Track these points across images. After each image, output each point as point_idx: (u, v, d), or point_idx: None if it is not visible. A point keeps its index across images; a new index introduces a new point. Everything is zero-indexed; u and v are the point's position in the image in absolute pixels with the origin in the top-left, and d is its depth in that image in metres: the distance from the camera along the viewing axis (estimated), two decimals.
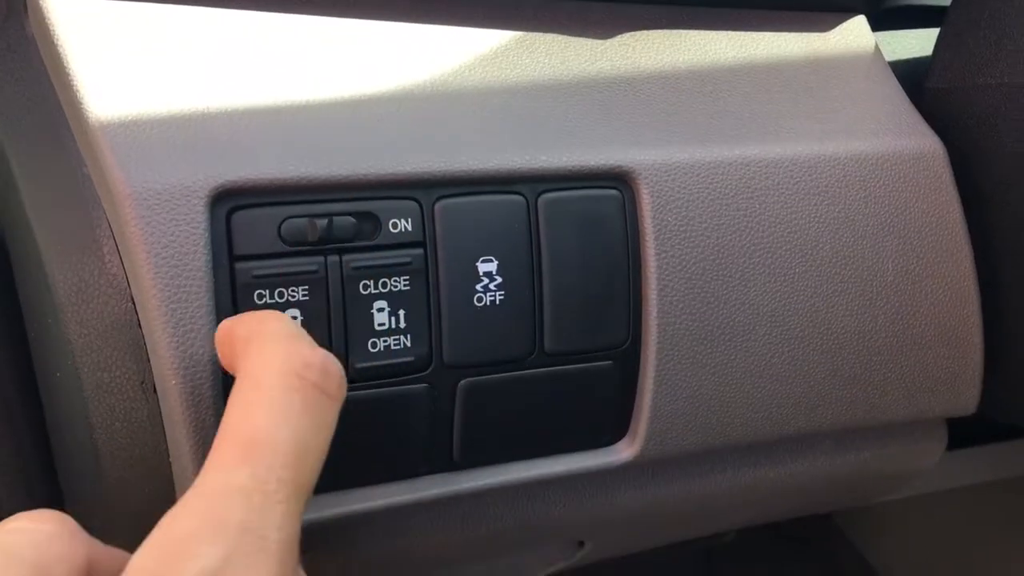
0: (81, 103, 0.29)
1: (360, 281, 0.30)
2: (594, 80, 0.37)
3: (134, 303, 0.29)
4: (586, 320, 0.33)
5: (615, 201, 0.33)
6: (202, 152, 0.29)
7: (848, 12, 0.42)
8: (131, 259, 0.28)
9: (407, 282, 0.31)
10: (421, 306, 0.31)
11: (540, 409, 0.34)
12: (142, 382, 0.30)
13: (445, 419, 0.32)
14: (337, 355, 0.30)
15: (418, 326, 0.31)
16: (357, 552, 0.35)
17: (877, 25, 0.43)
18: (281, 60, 0.32)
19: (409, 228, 0.31)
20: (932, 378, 0.40)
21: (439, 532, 0.35)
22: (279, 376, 0.23)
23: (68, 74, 0.30)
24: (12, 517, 0.23)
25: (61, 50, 0.30)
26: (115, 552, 0.25)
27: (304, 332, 0.26)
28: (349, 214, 0.30)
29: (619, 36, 0.38)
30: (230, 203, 0.29)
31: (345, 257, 0.30)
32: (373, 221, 0.30)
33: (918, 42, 0.47)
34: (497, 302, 0.32)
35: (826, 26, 0.42)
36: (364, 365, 0.31)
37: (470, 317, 0.32)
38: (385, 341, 0.31)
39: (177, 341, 0.28)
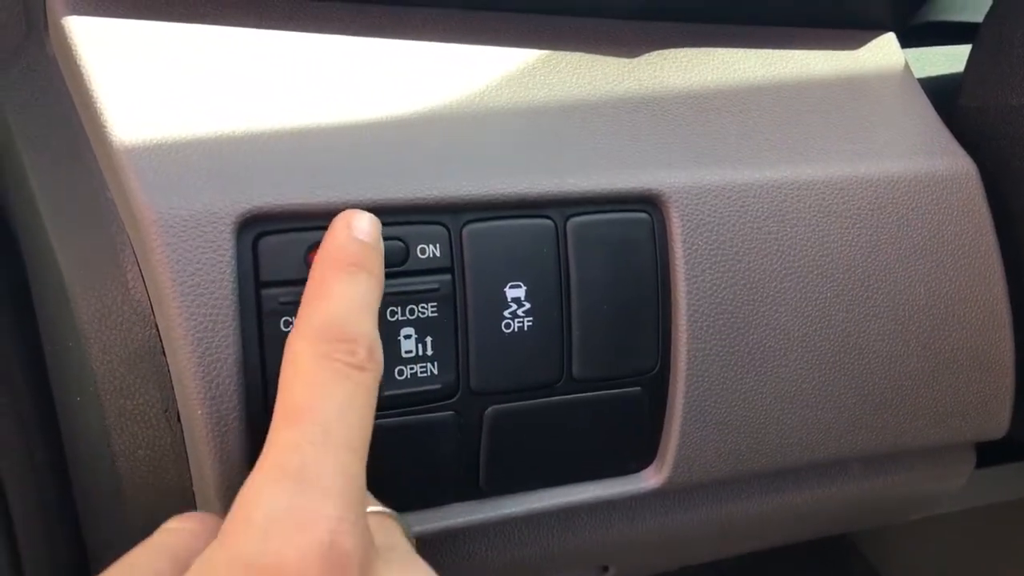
0: (104, 126, 0.29)
1: (387, 308, 0.30)
2: (621, 100, 0.36)
3: (158, 330, 0.29)
4: (615, 346, 0.33)
5: (645, 225, 0.33)
6: (228, 177, 0.28)
7: (877, 29, 0.42)
8: (156, 285, 0.28)
9: (435, 309, 0.30)
10: (448, 333, 0.30)
11: (568, 436, 0.33)
12: (166, 410, 0.29)
13: (472, 447, 0.32)
14: None
15: (445, 353, 0.31)
16: None
17: (905, 42, 0.43)
18: (307, 83, 0.32)
19: (437, 254, 0.30)
20: (963, 402, 0.39)
21: (464, 560, 0.35)
22: (312, 356, 0.25)
23: (91, 96, 0.29)
24: (172, 519, 0.27)
25: (84, 71, 0.29)
26: None
27: (359, 295, 0.27)
28: None
29: (646, 55, 0.37)
30: (257, 229, 0.28)
31: None
32: (400, 246, 0.30)
33: (945, 59, 0.46)
34: (525, 328, 0.31)
35: (855, 44, 0.41)
36: (390, 393, 0.30)
37: (498, 343, 0.31)
38: (412, 368, 0.30)
39: (203, 370, 0.27)
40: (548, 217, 0.32)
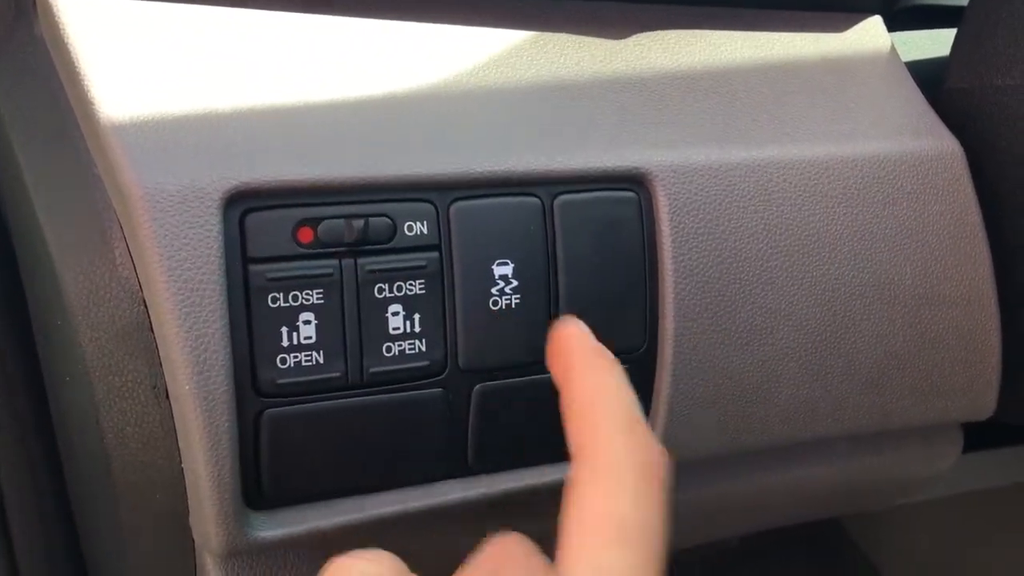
0: (92, 103, 0.29)
1: (375, 284, 0.30)
2: (609, 80, 0.36)
3: (146, 306, 0.29)
4: (602, 323, 0.33)
5: (632, 203, 0.33)
6: (215, 153, 0.28)
7: (864, 12, 0.42)
8: (143, 262, 0.28)
9: (422, 286, 0.30)
10: (436, 310, 0.31)
11: (556, 413, 0.33)
12: (154, 386, 0.29)
13: (460, 424, 0.32)
14: (351, 359, 0.30)
15: (433, 330, 0.31)
16: None
17: (891, 25, 0.43)
18: (294, 60, 0.32)
19: (424, 231, 0.30)
20: (950, 382, 0.39)
21: (452, 537, 0.35)
22: (636, 470, 0.24)
23: (78, 74, 0.29)
24: (352, 555, 0.26)
25: (71, 50, 0.30)
26: None
27: (632, 402, 0.27)
28: (363, 216, 0.30)
29: (634, 36, 0.38)
30: (243, 205, 0.28)
31: (360, 260, 0.29)
32: (388, 223, 0.30)
33: (931, 42, 0.46)
34: (513, 305, 0.32)
35: (842, 26, 0.41)
36: (378, 370, 0.30)
37: (485, 321, 0.31)
38: (400, 345, 0.30)
39: (191, 345, 0.27)
40: (535, 195, 0.32)
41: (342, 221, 0.29)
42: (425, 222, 0.30)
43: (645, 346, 0.34)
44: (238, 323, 0.28)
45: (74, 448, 0.32)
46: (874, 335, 0.37)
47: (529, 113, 0.34)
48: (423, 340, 0.31)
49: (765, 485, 0.40)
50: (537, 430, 0.33)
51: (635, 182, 0.33)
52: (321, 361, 0.29)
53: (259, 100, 0.30)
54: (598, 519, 0.24)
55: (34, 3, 0.32)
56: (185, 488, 0.30)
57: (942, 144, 0.38)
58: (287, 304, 0.29)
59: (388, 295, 0.30)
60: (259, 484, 0.30)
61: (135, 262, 0.28)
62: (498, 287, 0.31)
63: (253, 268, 0.28)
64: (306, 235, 0.29)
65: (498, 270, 0.31)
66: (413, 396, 0.31)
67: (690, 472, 0.38)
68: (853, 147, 0.37)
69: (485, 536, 0.36)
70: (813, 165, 0.36)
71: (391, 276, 0.30)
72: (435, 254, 0.30)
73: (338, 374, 0.30)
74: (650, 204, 0.33)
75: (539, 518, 0.36)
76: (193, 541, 0.31)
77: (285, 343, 0.29)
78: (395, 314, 0.30)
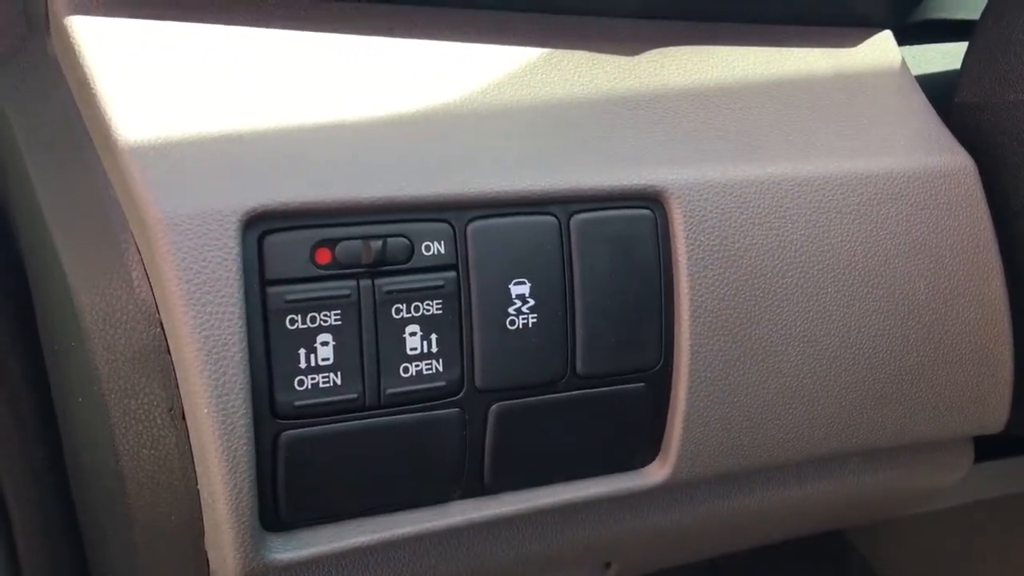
0: (108, 125, 0.28)
1: (393, 305, 0.30)
2: (623, 97, 0.36)
3: (163, 328, 0.28)
4: (619, 342, 0.33)
5: (648, 221, 0.33)
6: (233, 175, 0.28)
7: (874, 27, 0.42)
8: (161, 284, 0.28)
9: (440, 306, 0.30)
10: (453, 330, 0.31)
11: (572, 432, 0.33)
12: (171, 409, 0.29)
13: (477, 444, 0.32)
14: (369, 380, 0.30)
15: (450, 350, 0.31)
16: None
17: (901, 40, 0.43)
18: (311, 82, 0.32)
19: (442, 251, 0.30)
20: (962, 397, 0.39)
21: (468, 556, 0.35)
22: None
23: (94, 95, 0.29)
24: None
25: (87, 71, 0.29)
26: None
27: None
28: (381, 236, 0.29)
29: (647, 53, 0.38)
30: (262, 227, 0.28)
31: (378, 281, 0.29)
32: (406, 244, 0.30)
33: (942, 57, 0.46)
34: (530, 325, 0.31)
35: (853, 41, 0.41)
36: (396, 391, 0.30)
37: (502, 340, 0.31)
38: (417, 366, 0.30)
39: (209, 368, 0.27)
40: (552, 214, 0.32)
41: (360, 242, 0.29)
42: (442, 242, 0.30)
43: (661, 363, 0.34)
44: (256, 345, 0.28)
45: (85, 468, 0.32)
46: (888, 351, 0.37)
47: (544, 132, 0.34)
48: (440, 360, 0.31)
49: (779, 500, 0.40)
50: (554, 449, 0.33)
51: (651, 200, 0.33)
52: (339, 383, 0.29)
53: (276, 121, 0.30)
54: None
55: (47, 22, 0.32)
56: (201, 510, 0.30)
57: (954, 160, 0.38)
58: (305, 326, 0.29)
59: (405, 315, 0.30)
60: (276, 506, 0.30)
61: (152, 284, 0.28)
62: (515, 306, 0.31)
63: (271, 290, 0.28)
64: (324, 256, 0.29)
65: (515, 289, 0.31)
66: (430, 417, 0.31)
67: (705, 488, 0.38)
68: (866, 163, 0.37)
69: (500, 555, 0.36)
70: (827, 181, 0.36)
71: (408, 296, 0.30)
72: (452, 274, 0.30)
73: (355, 395, 0.30)
74: (666, 221, 0.33)
75: (553, 536, 0.36)
76: (208, 564, 0.31)
77: (303, 365, 0.29)
78: (412, 334, 0.30)
